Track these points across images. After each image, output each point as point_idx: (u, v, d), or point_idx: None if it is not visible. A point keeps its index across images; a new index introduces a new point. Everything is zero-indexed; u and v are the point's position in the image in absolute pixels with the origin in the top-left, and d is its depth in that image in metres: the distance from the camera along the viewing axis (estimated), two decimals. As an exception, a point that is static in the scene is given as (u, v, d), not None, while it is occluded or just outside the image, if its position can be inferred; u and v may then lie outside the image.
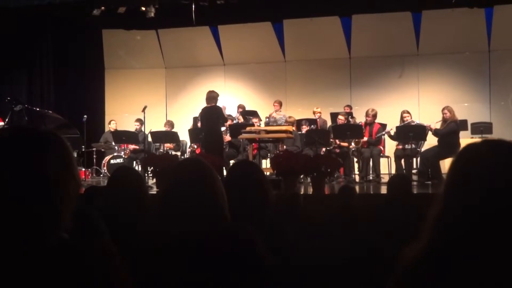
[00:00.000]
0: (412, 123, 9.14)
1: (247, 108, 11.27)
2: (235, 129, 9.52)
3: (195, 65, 12.84)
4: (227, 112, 10.35)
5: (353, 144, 9.27)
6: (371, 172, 9.19)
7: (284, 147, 9.26)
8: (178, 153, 10.48)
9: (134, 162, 10.32)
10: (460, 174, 1.18)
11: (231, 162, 9.55)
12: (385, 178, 8.48)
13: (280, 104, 10.94)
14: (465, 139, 9.17)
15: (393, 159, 9.12)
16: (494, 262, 1.08)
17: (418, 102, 11.61)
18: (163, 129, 10.95)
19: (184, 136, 10.91)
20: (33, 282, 1.09)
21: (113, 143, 10.67)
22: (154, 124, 10.60)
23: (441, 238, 1.14)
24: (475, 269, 1.08)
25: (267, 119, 10.32)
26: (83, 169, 10.11)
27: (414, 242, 1.19)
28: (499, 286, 1.07)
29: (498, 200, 1.10)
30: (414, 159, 9.07)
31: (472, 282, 1.08)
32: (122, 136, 10.29)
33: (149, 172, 8.17)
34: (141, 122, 10.33)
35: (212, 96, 8.86)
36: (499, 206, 1.10)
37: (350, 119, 10.12)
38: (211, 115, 8.80)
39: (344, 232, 3.39)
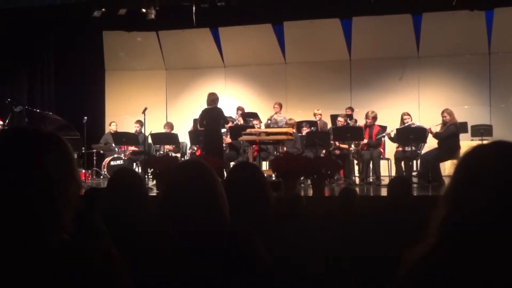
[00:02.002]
0: (413, 125, 9.13)
1: (247, 110, 11.27)
2: (236, 131, 9.52)
3: (196, 67, 12.85)
4: (227, 114, 10.35)
5: (353, 146, 9.27)
6: (371, 174, 9.19)
7: (285, 149, 9.25)
8: (178, 155, 10.47)
9: (134, 163, 10.32)
10: (468, 175, 1.17)
11: (231, 164, 9.55)
12: (385, 180, 8.48)
13: (280, 106, 10.96)
14: (465, 141, 9.17)
15: (393, 161, 9.11)
16: (502, 264, 1.07)
17: (418, 105, 11.61)
18: (163, 130, 10.95)
19: (184, 138, 10.91)
20: (34, 283, 1.09)
21: (113, 145, 10.67)
22: (155, 125, 10.60)
23: (447, 239, 1.13)
24: (482, 271, 1.07)
25: (268, 121, 10.33)
26: (83, 171, 10.11)
27: (416, 244, 1.19)
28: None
29: (507, 201, 1.09)
30: (414, 161, 9.06)
31: (479, 284, 1.07)
32: (122, 138, 10.30)
33: (149, 174, 8.17)
34: (141, 123, 10.32)
35: (213, 98, 8.88)
36: (507, 207, 1.09)
37: (350, 121, 10.12)
38: (212, 116, 8.80)
39: (344, 234, 3.38)
